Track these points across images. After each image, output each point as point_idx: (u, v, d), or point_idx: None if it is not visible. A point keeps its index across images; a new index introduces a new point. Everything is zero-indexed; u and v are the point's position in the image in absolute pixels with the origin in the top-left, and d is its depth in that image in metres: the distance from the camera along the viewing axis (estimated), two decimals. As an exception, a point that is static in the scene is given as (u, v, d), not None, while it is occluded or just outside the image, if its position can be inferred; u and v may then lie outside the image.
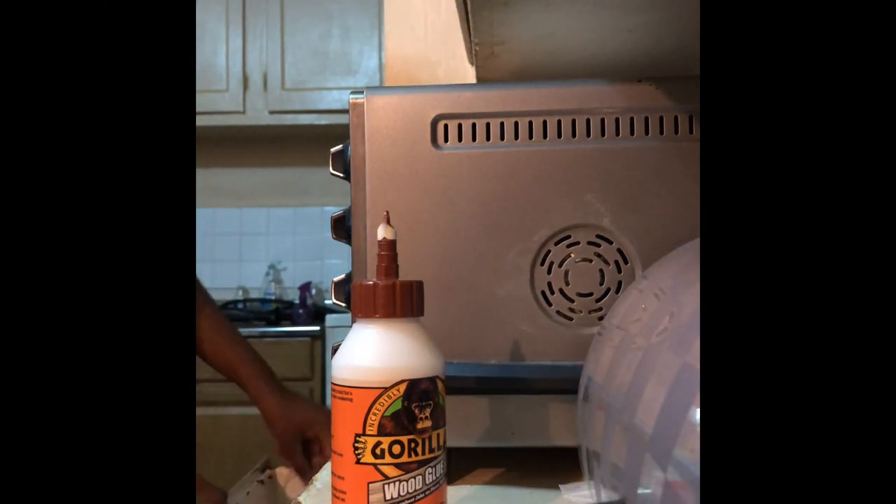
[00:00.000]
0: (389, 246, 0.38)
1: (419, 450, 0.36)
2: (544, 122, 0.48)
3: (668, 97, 0.47)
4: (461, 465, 0.51)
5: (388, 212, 0.39)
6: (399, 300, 0.37)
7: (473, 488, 0.48)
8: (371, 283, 0.37)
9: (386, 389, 0.35)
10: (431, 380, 0.36)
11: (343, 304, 0.49)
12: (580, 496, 0.43)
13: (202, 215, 2.64)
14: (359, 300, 0.37)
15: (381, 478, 0.35)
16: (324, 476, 0.52)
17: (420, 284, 0.38)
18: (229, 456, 1.96)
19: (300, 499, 0.48)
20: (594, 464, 0.37)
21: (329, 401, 0.40)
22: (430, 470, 0.36)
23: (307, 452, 0.90)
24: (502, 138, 0.48)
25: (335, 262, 2.63)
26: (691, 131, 0.47)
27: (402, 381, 0.35)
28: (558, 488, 0.45)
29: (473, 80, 0.60)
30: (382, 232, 0.38)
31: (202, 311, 0.90)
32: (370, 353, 0.36)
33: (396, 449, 0.35)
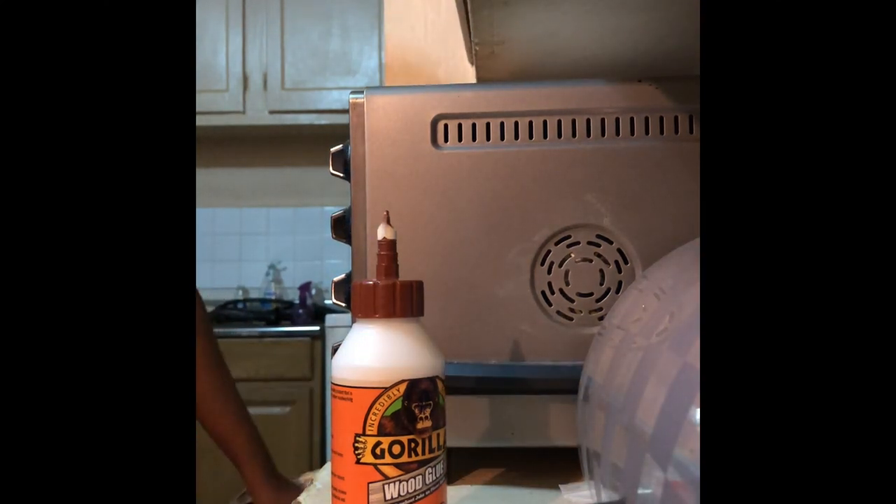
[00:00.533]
0: (389, 246, 0.38)
1: (419, 450, 0.36)
2: (544, 122, 0.48)
3: (668, 97, 0.47)
4: (461, 465, 0.51)
5: (387, 212, 0.39)
6: (399, 300, 0.37)
7: (473, 488, 0.48)
8: (371, 283, 0.37)
9: (386, 389, 0.35)
10: (431, 380, 0.36)
11: (343, 304, 0.49)
12: (580, 496, 0.43)
13: (202, 215, 2.64)
14: (359, 300, 0.37)
15: (381, 478, 0.35)
16: (324, 476, 0.52)
17: (420, 284, 0.38)
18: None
19: (300, 499, 0.48)
20: (594, 464, 0.37)
21: (329, 401, 0.40)
22: (430, 470, 0.36)
23: None
24: (502, 138, 0.48)
25: (335, 262, 2.63)
26: (691, 131, 0.47)
27: (402, 381, 0.35)
28: (558, 488, 0.45)
29: (473, 80, 0.60)
30: (382, 232, 0.38)
31: (206, 370, 0.84)
32: (370, 353, 0.36)
33: (396, 449, 0.35)
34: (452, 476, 0.49)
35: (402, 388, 0.35)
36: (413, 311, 0.37)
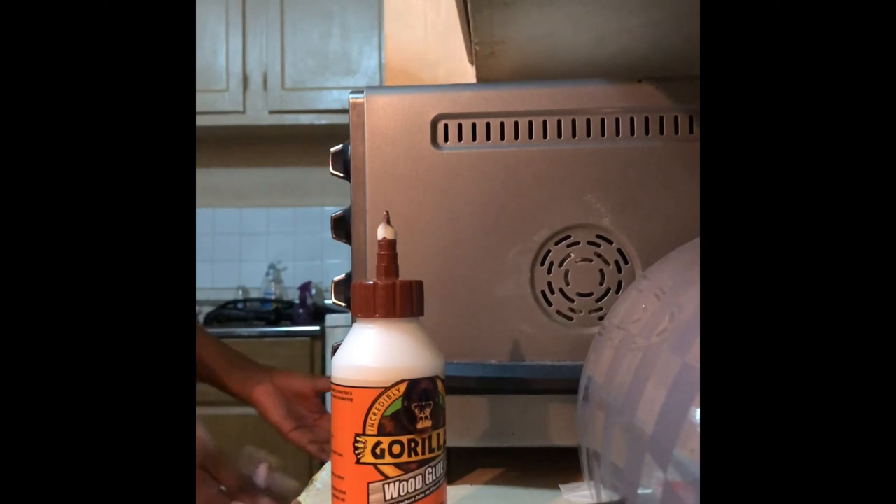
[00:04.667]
0: (389, 246, 0.38)
1: (419, 450, 0.36)
2: (544, 122, 0.48)
3: (668, 97, 0.47)
4: (461, 465, 0.51)
5: (387, 211, 0.39)
6: (399, 300, 0.37)
7: (473, 488, 0.48)
8: (371, 283, 0.37)
9: (386, 389, 0.35)
10: (431, 380, 0.36)
11: (343, 305, 0.49)
12: (580, 496, 0.43)
13: (202, 215, 2.63)
14: (359, 300, 0.37)
15: (381, 478, 0.35)
16: (324, 476, 0.52)
17: (420, 284, 0.38)
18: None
19: (300, 499, 0.48)
20: (594, 464, 0.37)
21: (329, 401, 0.40)
22: (429, 470, 0.36)
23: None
24: (502, 138, 0.48)
25: (335, 262, 2.63)
26: (691, 131, 0.47)
27: (401, 381, 0.35)
28: (558, 488, 0.45)
29: (473, 80, 0.60)
30: (382, 232, 0.38)
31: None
32: (370, 353, 0.36)
33: (396, 449, 0.35)
34: (452, 476, 0.49)
35: (402, 387, 0.35)
36: (413, 311, 0.37)
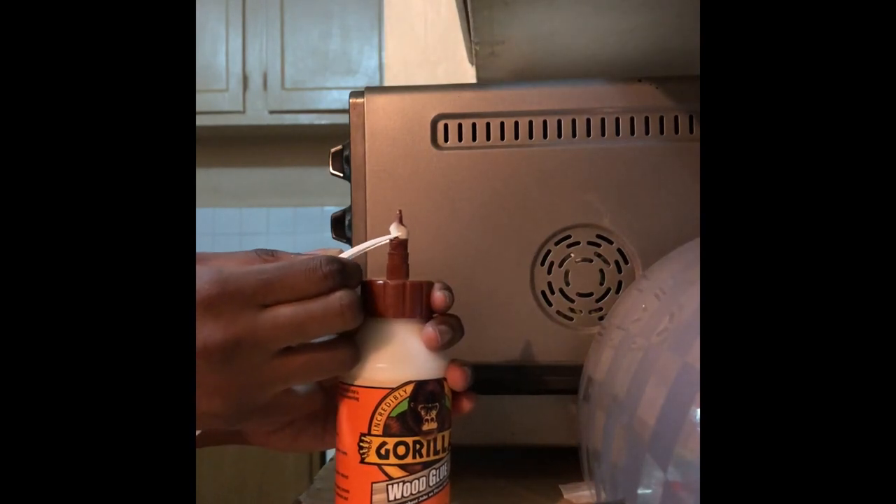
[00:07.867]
0: (401, 246, 0.38)
1: (424, 451, 0.36)
2: (544, 122, 0.48)
3: (668, 97, 0.47)
4: (461, 464, 0.51)
5: (400, 210, 0.39)
6: (409, 300, 0.37)
7: (474, 488, 0.48)
8: (381, 282, 0.37)
9: (393, 390, 0.35)
10: (438, 381, 0.36)
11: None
12: (580, 496, 0.44)
13: (202, 215, 2.63)
14: (368, 299, 0.37)
15: (385, 478, 0.35)
16: (324, 475, 0.52)
17: (430, 285, 0.38)
18: (228, 456, 1.96)
19: (300, 498, 0.48)
20: (594, 464, 0.37)
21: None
22: (434, 472, 0.36)
23: None
24: (502, 138, 0.48)
25: (335, 262, 2.62)
26: (691, 131, 0.47)
27: (409, 383, 0.35)
28: (558, 488, 0.46)
29: (473, 80, 0.60)
30: (395, 231, 0.38)
31: None
32: (378, 353, 0.36)
33: (401, 450, 0.35)
34: (452, 475, 0.49)
35: (409, 389, 0.35)
36: (422, 313, 0.37)
